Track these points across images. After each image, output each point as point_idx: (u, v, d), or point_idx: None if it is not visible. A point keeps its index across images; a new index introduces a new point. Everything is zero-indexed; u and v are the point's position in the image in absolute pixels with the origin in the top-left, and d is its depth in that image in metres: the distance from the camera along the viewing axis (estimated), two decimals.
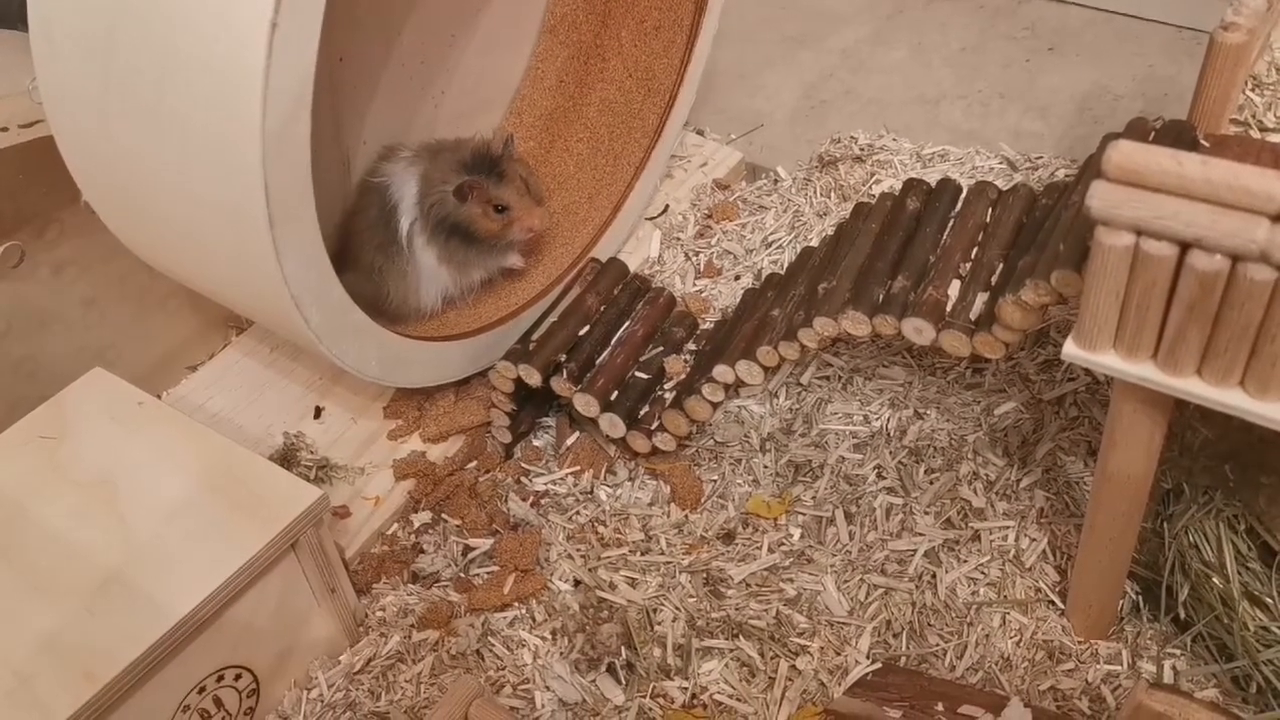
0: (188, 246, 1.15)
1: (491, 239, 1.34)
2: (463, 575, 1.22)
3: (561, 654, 1.13)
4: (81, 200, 1.22)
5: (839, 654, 1.09)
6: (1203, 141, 1.05)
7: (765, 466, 1.27)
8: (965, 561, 1.14)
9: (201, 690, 1.04)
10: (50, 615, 0.98)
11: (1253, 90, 1.18)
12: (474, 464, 1.33)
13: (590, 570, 1.19)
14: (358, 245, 1.34)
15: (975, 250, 1.11)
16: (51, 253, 1.33)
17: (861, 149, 1.61)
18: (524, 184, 1.32)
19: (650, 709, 1.07)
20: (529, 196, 1.33)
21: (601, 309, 1.34)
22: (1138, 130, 1.10)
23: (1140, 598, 1.09)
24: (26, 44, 1.11)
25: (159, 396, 1.38)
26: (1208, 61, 1.03)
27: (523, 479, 1.31)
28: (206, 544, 1.03)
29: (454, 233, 1.32)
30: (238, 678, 1.07)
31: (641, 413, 1.26)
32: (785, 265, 1.46)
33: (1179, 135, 1.05)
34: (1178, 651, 1.05)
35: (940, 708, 0.97)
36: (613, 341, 1.31)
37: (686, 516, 1.24)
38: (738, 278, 1.48)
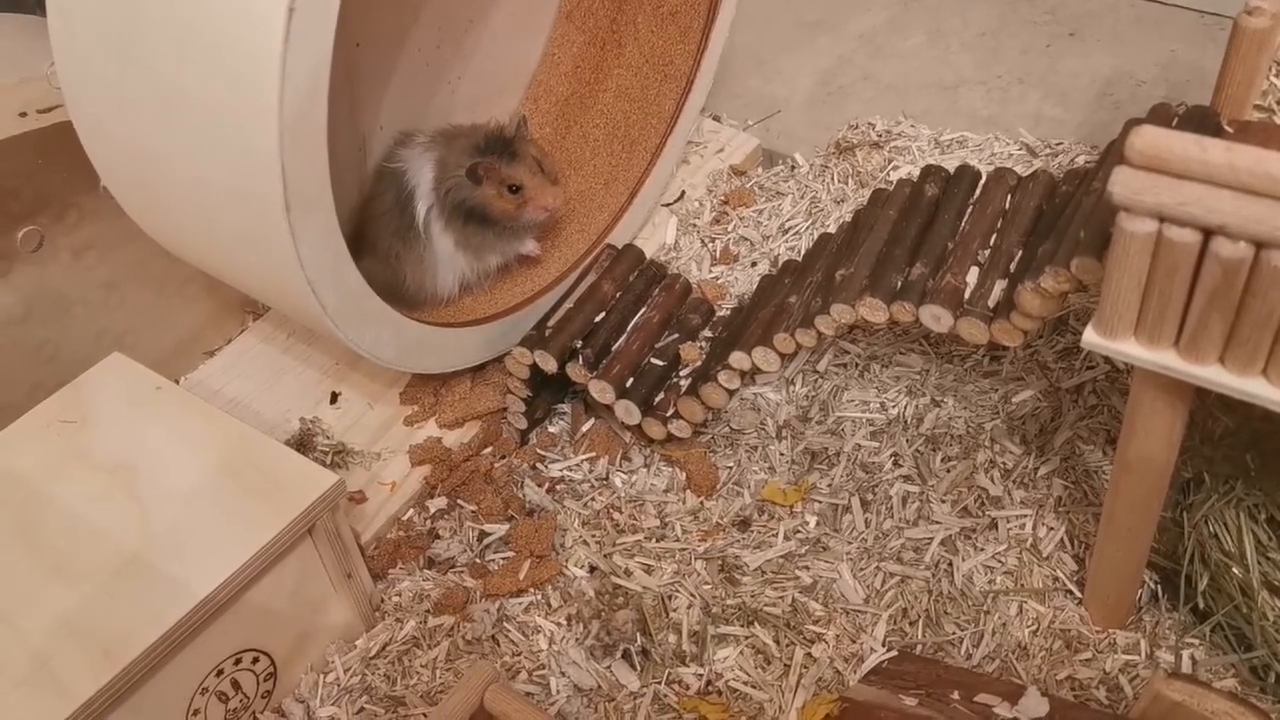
0: (205, 231, 1.15)
1: (507, 220, 1.33)
2: (478, 561, 1.23)
3: (577, 640, 1.13)
4: (100, 185, 1.22)
5: (854, 641, 1.09)
6: (1226, 127, 1.04)
7: (781, 454, 1.27)
8: (982, 550, 1.14)
9: (219, 673, 1.04)
10: (70, 597, 0.98)
11: (1277, 76, 1.17)
12: (489, 450, 1.33)
13: (605, 556, 1.20)
14: (375, 231, 1.34)
15: (994, 237, 1.11)
16: (71, 237, 1.34)
17: (879, 135, 1.60)
18: (537, 164, 1.32)
19: (665, 695, 1.07)
20: (543, 175, 1.32)
21: (617, 295, 1.33)
22: (1161, 116, 1.08)
23: (1159, 587, 1.08)
24: (44, 29, 1.11)
25: (177, 381, 1.39)
26: (1231, 47, 1.02)
27: (538, 465, 1.31)
28: (224, 528, 1.03)
29: (470, 217, 1.32)
30: (255, 661, 1.08)
31: (657, 399, 1.26)
32: (802, 252, 1.45)
33: (1202, 121, 1.04)
34: (1196, 641, 1.04)
35: (956, 696, 0.96)
36: (628, 328, 1.31)
37: (702, 503, 1.24)
38: (754, 264, 1.48)
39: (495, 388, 1.35)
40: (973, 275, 1.07)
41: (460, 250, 1.34)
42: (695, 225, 1.56)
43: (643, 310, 1.33)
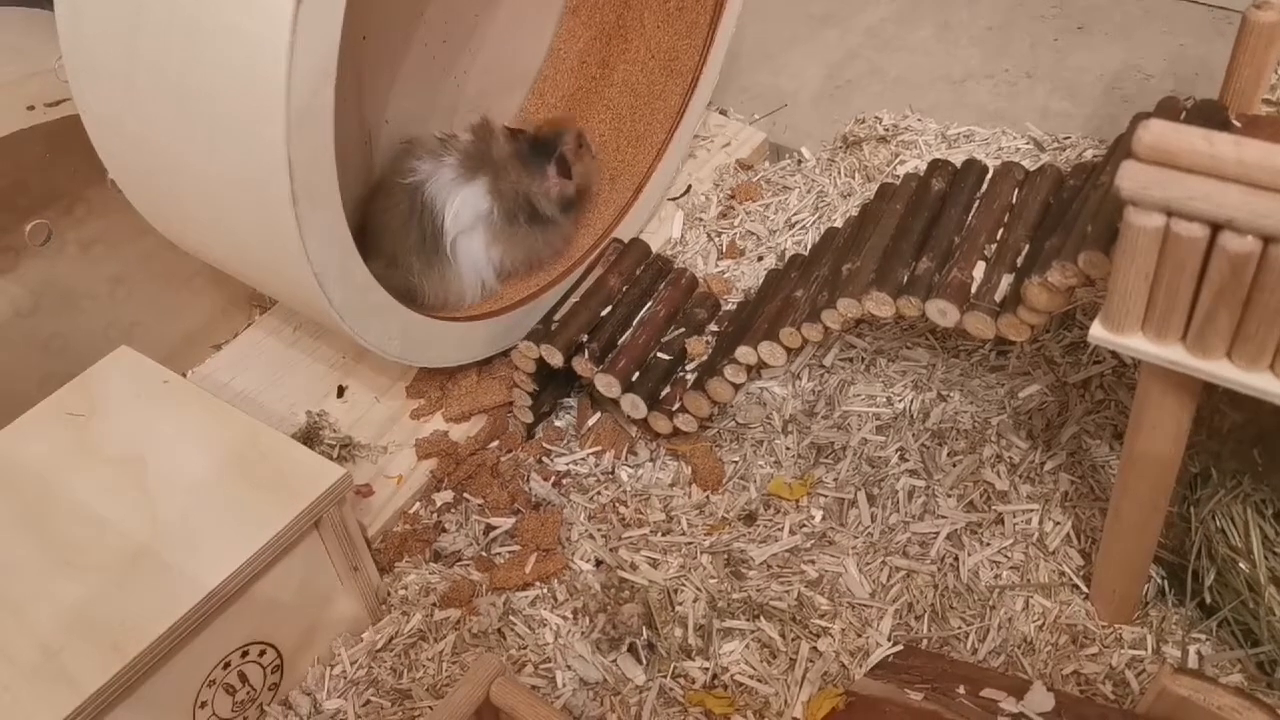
0: (212, 224, 1.16)
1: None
2: (484, 554, 1.23)
3: (583, 633, 1.14)
4: (108, 178, 1.23)
5: (860, 636, 1.09)
6: (1235, 122, 1.03)
7: (787, 448, 1.27)
8: (988, 544, 1.14)
9: (227, 665, 1.05)
10: (78, 589, 0.99)
11: None
12: (496, 444, 1.33)
13: (611, 550, 1.20)
14: (390, 242, 1.31)
15: (1001, 232, 1.11)
16: (79, 231, 1.34)
17: (886, 129, 1.60)
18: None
19: (671, 689, 1.08)
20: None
21: (624, 289, 1.33)
22: (1168, 110, 1.08)
23: (1165, 582, 1.08)
24: (52, 23, 1.11)
25: (184, 375, 1.39)
26: (1240, 41, 1.01)
27: (544, 459, 1.32)
28: (231, 521, 1.04)
29: (568, 207, 1.40)
30: (262, 653, 1.08)
31: (663, 394, 1.26)
32: (809, 246, 1.45)
33: (1210, 115, 1.03)
34: (1203, 636, 1.04)
35: (962, 690, 0.97)
36: (634, 322, 1.31)
37: (708, 497, 1.24)
38: (760, 258, 1.48)
39: (501, 382, 1.35)
40: (979, 270, 1.07)
41: (494, 248, 1.34)
42: (701, 219, 1.56)
43: (649, 304, 1.33)
